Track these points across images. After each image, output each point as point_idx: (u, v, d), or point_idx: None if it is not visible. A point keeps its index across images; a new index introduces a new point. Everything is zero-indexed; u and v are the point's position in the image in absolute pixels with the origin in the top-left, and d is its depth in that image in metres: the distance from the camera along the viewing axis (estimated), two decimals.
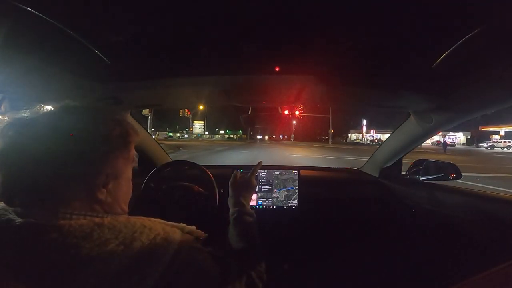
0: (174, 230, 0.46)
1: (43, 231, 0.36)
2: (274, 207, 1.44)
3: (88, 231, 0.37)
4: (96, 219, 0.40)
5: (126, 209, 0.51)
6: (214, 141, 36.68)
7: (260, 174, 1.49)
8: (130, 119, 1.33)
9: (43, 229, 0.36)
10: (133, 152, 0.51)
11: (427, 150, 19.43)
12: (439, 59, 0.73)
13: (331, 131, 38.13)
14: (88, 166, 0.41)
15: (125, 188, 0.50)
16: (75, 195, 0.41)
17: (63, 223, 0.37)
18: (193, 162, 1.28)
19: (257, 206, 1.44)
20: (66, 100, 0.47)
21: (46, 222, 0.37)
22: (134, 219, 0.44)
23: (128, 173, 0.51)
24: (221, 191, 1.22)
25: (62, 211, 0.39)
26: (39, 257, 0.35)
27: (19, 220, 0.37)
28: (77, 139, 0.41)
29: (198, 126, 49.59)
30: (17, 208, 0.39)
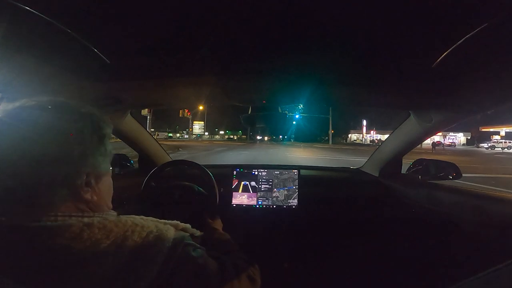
0: (167, 227, 0.45)
1: (31, 233, 0.35)
2: (274, 206, 1.44)
3: (78, 232, 0.37)
4: (85, 219, 0.39)
5: (111, 205, 0.50)
6: (214, 142, 35.97)
7: (260, 173, 1.49)
8: (130, 119, 1.33)
9: (31, 231, 0.35)
10: (110, 146, 0.48)
11: (427, 151, 19.35)
12: (439, 59, 0.73)
13: (331, 131, 37.79)
14: (65, 167, 0.39)
15: (107, 184, 0.49)
16: (59, 197, 0.39)
17: (50, 225, 0.36)
18: (193, 162, 1.28)
19: (257, 206, 1.44)
20: (65, 99, 0.46)
21: (33, 224, 0.36)
22: (125, 217, 0.43)
23: (109, 168, 0.49)
24: (221, 190, 1.22)
25: (47, 213, 0.38)
26: (29, 260, 0.34)
27: (5, 223, 0.36)
28: (49, 140, 0.38)
29: (198, 127, 48.35)
30: (3, 211, 0.37)
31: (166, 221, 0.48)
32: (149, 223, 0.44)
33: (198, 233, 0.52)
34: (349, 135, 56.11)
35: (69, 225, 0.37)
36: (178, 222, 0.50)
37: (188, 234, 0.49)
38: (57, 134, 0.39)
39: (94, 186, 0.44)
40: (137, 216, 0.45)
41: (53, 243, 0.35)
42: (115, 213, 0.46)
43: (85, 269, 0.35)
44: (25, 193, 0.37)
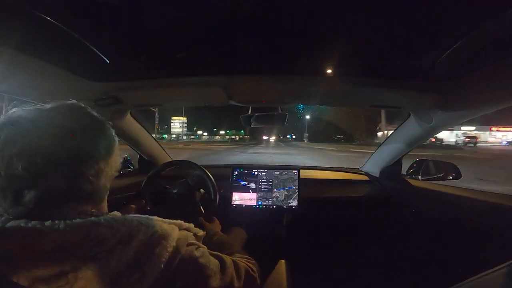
0: (172, 227, 0.46)
1: (41, 232, 0.35)
2: (274, 206, 1.44)
3: (86, 231, 0.37)
4: (93, 218, 0.40)
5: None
6: (192, 144, 26.02)
7: (260, 173, 1.49)
8: (130, 119, 1.33)
9: (40, 230, 0.35)
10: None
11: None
12: (439, 59, 0.73)
13: (384, 124, 23.69)
14: (87, 166, 0.41)
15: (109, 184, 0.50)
16: (72, 195, 0.40)
17: (59, 223, 0.37)
18: (193, 162, 1.28)
19: (257, 206, 1.44)
20: (65, 99, 0.46)
21: (43, 223, 0.36)
22: (130, 217, 0.43)
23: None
24: (221, 191, 1.22)
25: (58, 211, 0.39)
26: (38, 258, 0.34)
27: (15, 221, 0.36)
28: (77, 138, 0.40)
29: (178, 124, 36.74)
30: (20, 209, 0.38)
31: (170, 220, 0.48)
32: (154, 223, 0.44)
33: (201, 232, 0.53)
34: (383, 132, 32.70)
35: (78, 224, 0.37)
36: (182, 221, 0.51)
37: (192, 233, 0.50)
38: (82, 132, 0.41)
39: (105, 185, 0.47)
40: (143, 216, 0.45)
41: (62, 242, 0.35)
42: (119, 213, 0.47)
43: (92, 268, 0.35)
44: (38, 188, 0.37)
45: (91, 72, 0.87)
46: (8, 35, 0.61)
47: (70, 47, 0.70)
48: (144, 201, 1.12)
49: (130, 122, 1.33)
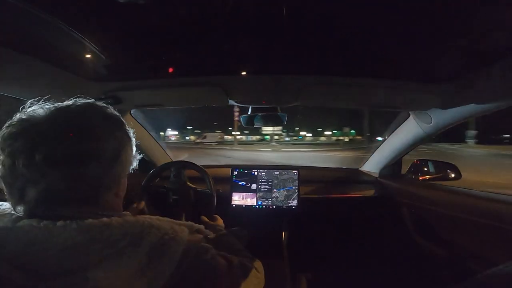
0: (182, 229, 0.45)
1: (52, 232, 0.35)
2: (274, 207, 1.44)
3: (97, 231, 0.37)
4: (104, 219, 0.39)
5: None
6: (284, 149, 17.75)
7: (260, 174, 1.49)
8: (130, 119, 1.33)
9: (52, 229, 0.35)
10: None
11: None
12: (439, 60, 0.73)
13: None
14: (88, 168, 0.40)
15: (125, 184, 0.50)
16: (70, 197, 0.40)
17: (70, 224, 0.36)
18: (192, 163, 1.28)
19: (257, 206, 1.44)
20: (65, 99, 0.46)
21: (55, 223, 0.36)
22: (142, 218, 0.43)
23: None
24: (220, 191, 1.22)
25: (69, 211, 0.38)
26: (47, 259, 0.34)
27: (27, 220, 0.36)
28: (79, 138, 0.39)
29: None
30: (25, 208, 0.38)
31: (181, 222, 0.48)
32: (165, 224, 0.43)
33: (211, 234, 0.52)
34: None
35: (89, 224, 0.37)
36: (193, 223, 0.50)
37: (202, 236, 0.49)
38: (95, 131, 0.42)
39: (119, 186, 0.47)
40: (153, 217, 0.45)
41: (73, 243, 0.35)
42: (129, 214, 0.46)
43: (101, 270, 0.34)
44: (51, 188, 0.38)
45: (91, 72, 0.87)
46: (8, 35, 0.61)
47: (70, 47, 0.70)
48: (143, 201, 1.12)
49: (130, 122, 1.33)
